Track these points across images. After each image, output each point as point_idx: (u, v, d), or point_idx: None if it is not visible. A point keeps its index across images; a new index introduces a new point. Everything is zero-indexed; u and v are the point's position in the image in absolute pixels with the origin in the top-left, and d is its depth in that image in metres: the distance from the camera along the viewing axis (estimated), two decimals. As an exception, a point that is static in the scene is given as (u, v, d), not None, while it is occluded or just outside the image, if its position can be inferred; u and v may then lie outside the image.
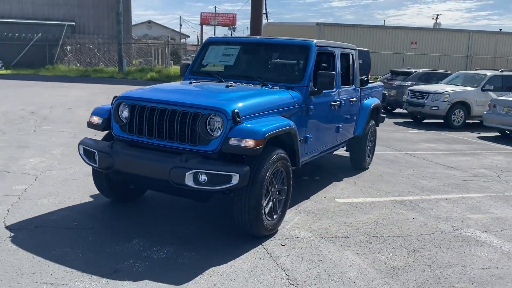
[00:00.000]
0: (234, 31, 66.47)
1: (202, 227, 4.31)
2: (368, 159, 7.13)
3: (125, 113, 4.19)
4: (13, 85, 18.29)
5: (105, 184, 4.58)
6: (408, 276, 3.55)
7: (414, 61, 31.98)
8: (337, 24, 35.23)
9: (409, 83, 15.76)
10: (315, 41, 5.13)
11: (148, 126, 4.03)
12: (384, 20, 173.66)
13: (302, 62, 5.01)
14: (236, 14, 66.30)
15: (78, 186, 5.25)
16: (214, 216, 4.68)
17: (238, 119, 3.77)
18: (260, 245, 3.95)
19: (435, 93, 13.22)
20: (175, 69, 27.88)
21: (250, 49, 5.51)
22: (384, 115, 8.33)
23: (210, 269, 3.44)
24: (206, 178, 3.62)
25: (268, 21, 49.91)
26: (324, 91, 5.10)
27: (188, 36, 72.05)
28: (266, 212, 4.00)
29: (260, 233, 4.00)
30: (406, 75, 16.62)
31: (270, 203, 4.10)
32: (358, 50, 21.09)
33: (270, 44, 5.46)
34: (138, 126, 4.09)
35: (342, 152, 7.53)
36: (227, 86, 4.59)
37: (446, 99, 13.01)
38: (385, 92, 8.12)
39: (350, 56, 6.23)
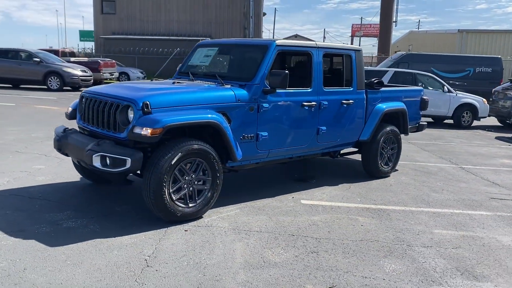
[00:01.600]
0: (382, 42, 64.67)
1: (137, 208, 4.73)
2: (384, 167, 6.69)
3: (83, 105, 4.91)
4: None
5: (79, 167, 5.35)
6: (268, 271, 3.48)
7: None
8: (481, 31, 31.96)
9: (527, 93, 13.73)
10: (278, 41, 5.18)
11: (92, 115, 4.67)
12: None
13: (259, 61, 5.11)
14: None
15: (82, 170, 6.14)
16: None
17: (146, 109, 4.15)
18: (165, 228, 4.23)
19: (546, 104, 11.36)
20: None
21: (223, 50, 5.80)
22: (425, 123, 7.66)
23: (93, 240, 3.88)
24: (109, 161, 4.09)
25: (413, 30, 47.62)
26: (282, 90, 5.13)
27: (334, 49, 72.10)
28: (175, 198, 4.28)
29: (167, 217, 4.28)
30: (527, 84, 14.48)
31: (184, 191, 4.36)
32: (488, 57, 19.24)
33: (237, 45, 5.68)
34: (87, 115, 4.77)
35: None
36: (173, 83, 5.00)
37: (559, 111, 11.09)
38: (426, 98, 7.45)
39: (345, 57, 6.01)
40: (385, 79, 13.77)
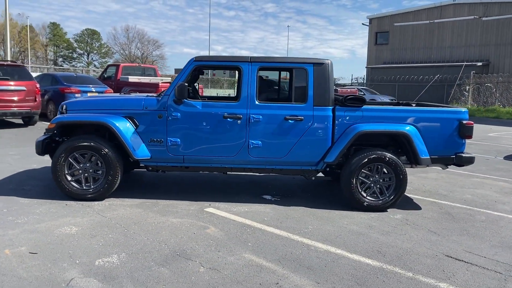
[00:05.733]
0: None
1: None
2: (368, 198, 5.64)
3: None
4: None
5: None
6: (30, 235, 4.35)
7: None
8: None
9: None
10: (196, 57, 5.61)
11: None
12: None
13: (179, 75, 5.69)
14: None
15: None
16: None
17: (61, 110, 5.64)
18: (58, 200, 5.51)
19: None
20: None
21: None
22: (471, 155, 5.85)
23: (8, 196, 5.60)
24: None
25: None
26: (199, 101, 5.60)
27: None
28: (69, 179, 5.51)
29: (63, 192, 5.52)
30: None
31: (81, 176, 5.53)
32: None
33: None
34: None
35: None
36: (119, 94, 6.19)
37: None
38: (468, 122, 5.72)
39: (297, 71, 5.64)
40: None
